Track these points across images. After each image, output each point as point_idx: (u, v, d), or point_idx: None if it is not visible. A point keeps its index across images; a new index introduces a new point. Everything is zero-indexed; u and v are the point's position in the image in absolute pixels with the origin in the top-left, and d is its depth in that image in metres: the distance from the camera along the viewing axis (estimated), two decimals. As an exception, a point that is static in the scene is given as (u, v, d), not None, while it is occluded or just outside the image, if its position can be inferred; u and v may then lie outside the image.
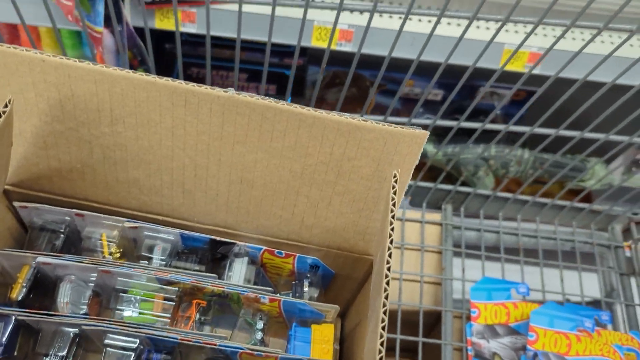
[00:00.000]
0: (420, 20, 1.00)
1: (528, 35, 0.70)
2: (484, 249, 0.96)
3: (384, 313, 0.38)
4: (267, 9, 0.94)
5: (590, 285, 1.00)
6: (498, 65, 1.03)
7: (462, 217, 1.00)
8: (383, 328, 0.37)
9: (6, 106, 0.44)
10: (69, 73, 0.46)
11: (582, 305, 0.95)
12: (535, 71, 0.98)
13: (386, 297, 0.39)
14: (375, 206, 0.53)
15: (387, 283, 0.39)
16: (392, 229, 0.42)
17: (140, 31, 0.93)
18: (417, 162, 0.49)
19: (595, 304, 1.01)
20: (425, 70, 1.06)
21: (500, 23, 0.69)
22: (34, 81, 0.47)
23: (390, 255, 0.40)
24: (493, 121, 1.10)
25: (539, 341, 0.85)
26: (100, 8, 0.81)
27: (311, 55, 1.23)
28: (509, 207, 1.02)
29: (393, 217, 0.42)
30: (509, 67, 1.03)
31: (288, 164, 0.51)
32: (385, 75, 1.31)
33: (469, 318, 0.88)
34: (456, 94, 0.81)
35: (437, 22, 0.68)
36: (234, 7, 0.95)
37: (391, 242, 0.41)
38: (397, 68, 1.06)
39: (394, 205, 0.43)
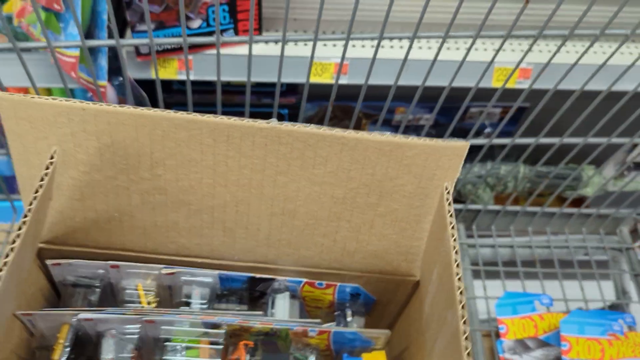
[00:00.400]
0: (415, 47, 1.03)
1: (526, 52, 0.72)
2: (501, 264, 0.97)
3: (464, 323, 0.38)
4: (259, 50, 0.95)
5: (605, 289, 1.01)
6: (489, 84, 1.06)
7: (476, 235, 1.01)
8: (466, 338, 0.37)
9: (52, 157, 0.43)
10: (109, 120, 0.46)
11: (605, 310, 0.95)
12: (525, 86, 1.01)
13: (463, 307, 0.38)
14: (418, 224, 0.53)
15: (461, 293, 0.39)
16: (455, 239, 0.42)
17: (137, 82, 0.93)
18: (458, 175, 0.50)
19: (614, 307, 1.02)
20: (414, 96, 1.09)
21: (490, 44, 0.71)
22: (73, 131, 0.46)
23: (458, 266, 0.40)
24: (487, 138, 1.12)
25: (573, 350, 0.84)
26: (104, 62, 0.81)
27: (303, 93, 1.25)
28: (518, 221, 1.03)
29: (453, 227, 0.42)
30: (499, 85, 1.06)
31: (330, 190, 0.51)
32: (375, 104, 1.34)
33: (497, 335, 0.88)
34: (447, 117, 0.83)
35: (441, 47, 0.70)
36: (227, 50, 0.96)
37: (456, 253, 0.41)
38: (386, 97, 1.08)
39: (451, 216, 0.44)
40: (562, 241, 1.02)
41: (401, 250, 0.55)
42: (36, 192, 0.41)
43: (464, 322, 0.38)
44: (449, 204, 0.45)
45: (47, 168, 0.42)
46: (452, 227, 0.42)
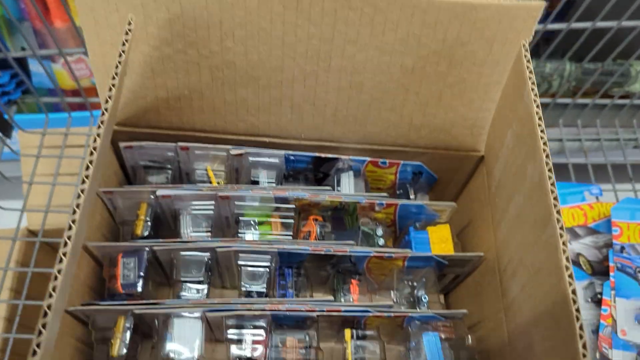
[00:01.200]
0: None
1: None
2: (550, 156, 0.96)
3: (549, 170, 0.38)
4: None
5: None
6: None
7: (524, 129, 1.00)
8: (552, 184, 0.38)
9: (129, 24, 0.44)
10: (180, -12, 0.45)
11: (655, 198, 0.95)
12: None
13: (547, 156, 0.39)
14: (487, 94, 0.53)
15: (545, 144, 0.39)
16: (536, 95, 0.41)
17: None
18: (531, 39, 0.48)
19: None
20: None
21: None
22: (143, 2, 0.46)
23: (540, 119, 0.40)
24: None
25: (624, 234, 0.85)
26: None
27: None
28: (567, 114, 1.02)
29: (533, 83, 0.42)
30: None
31: (399, 60, 0.50)
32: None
33: (547, 224, 0.89)
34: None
35: None
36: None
37: (537, 107, 0.41)
38: None
39: (530, 72, 0.43)
40: (612, 133, 1.01)
41: (468, 124, 0.55)
42: (117, 66, 0.41)
43: (549, 170, 0.38)
44: (528, 60, 0.44)
45: (127, 34, 0.43)
46: (532, 83, 0.42)
